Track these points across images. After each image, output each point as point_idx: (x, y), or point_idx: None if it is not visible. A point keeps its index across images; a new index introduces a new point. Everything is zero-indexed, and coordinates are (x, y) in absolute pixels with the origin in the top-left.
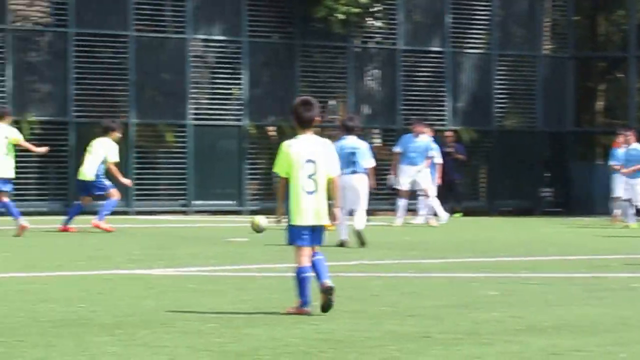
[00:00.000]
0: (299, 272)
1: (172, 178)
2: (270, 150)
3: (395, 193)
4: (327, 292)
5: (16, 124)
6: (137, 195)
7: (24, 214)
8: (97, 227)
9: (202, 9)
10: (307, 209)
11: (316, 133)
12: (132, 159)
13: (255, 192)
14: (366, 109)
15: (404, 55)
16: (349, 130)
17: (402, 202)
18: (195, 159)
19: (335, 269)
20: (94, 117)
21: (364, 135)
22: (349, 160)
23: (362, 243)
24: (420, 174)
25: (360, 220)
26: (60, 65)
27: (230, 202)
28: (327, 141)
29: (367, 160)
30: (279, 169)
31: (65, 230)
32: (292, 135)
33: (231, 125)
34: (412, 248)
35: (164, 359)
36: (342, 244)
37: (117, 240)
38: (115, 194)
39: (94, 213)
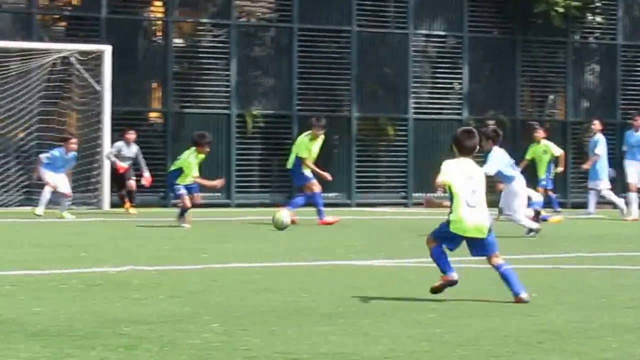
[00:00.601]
0: (434, 250)
1: (392, 171)
2: None
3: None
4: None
5: (240, 117)
6: (358, 187)
7: (246, 205)
8: (324, 223)
9: (424, 4)
10: (469, 221)
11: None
12: (353, 152)
13: None
14: (585, 104)
15: (623, 50)
16: (495, 142)
17: (633, 196)
18: (415, 152)
19: (553, 261)
20: (317, 111)
21: (582, 131)
22: (512, 167)
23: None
24: None
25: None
26: (284, 60)
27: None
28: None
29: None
30: (443, 178)
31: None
32: (512, 128)
33: (451, 119)
34: (630, 241)
35: (384, 348)
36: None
37: (339, 232)
38: (307, 189)
39: (311, 205)
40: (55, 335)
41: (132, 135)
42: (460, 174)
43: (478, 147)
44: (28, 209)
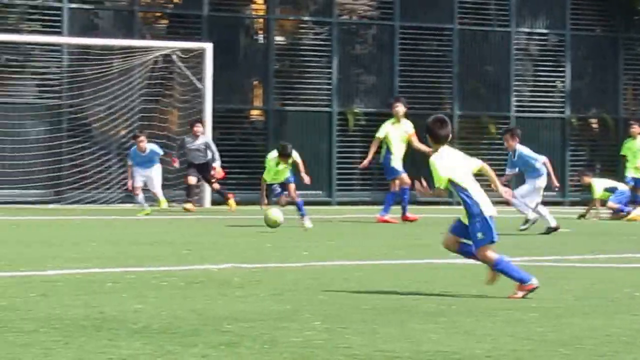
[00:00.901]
0: (499, 263)
1: (494, 169)
2: (592, 141)
3: None
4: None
5: (341, 115)
6: None
7: (347, 203)
8: (406, 220)
9: (526, 2)
10: (488, 201)
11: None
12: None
13: (575, 183)
14: None
15: None
16: (519, 141)
17: None
18: None
19: None
20: (418, 109)
21: None
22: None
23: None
24: None
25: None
26: (386, 58)
27: (553, 193)
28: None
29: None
30: (442, 179)
31: (383, 221)
32: (614, 128)
33: (553, 117)
34: None
35: (486, 347)
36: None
37: (437, 230)
38: (393, 185)
39: (414, 203)
40: (157, 333)
41: (198, 127)
42: (457, 165)
43: (453, 135)
44: (129, 206)
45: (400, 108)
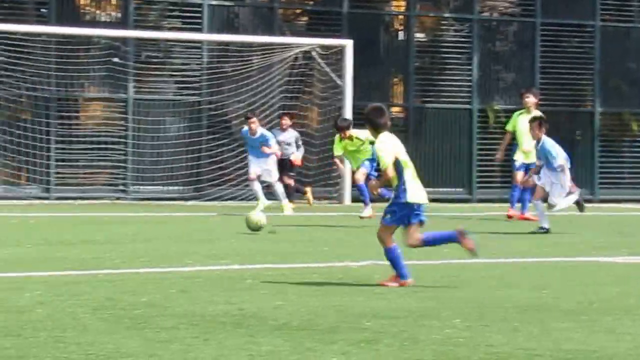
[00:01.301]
0: (391, 251)
1: (637, 166)
2: None
3: None
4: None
5: (482, 112)
6: (602, 183)
7: (488, 200)
8: (521, 218)
9: None
10: (420, 189)
11: None
12: (596, 148)
13: None
14: None
15: None
16: (546, 131)
17: None
18: None
19: None
20: (559, 106)
21: None
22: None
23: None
24: None
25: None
26: (526, 55)
27: None
28: None
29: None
30: (388, 160)
31: (522, 219)
32: None
33: None
34: None
35: (628, 346)
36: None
37: (581, 228)
38: (515, 180)
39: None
40: (296, 329)
41: (285, 120)
42: (399, 148)
43: (389, 123)
44: (268, 203)
45: (531, 99)
